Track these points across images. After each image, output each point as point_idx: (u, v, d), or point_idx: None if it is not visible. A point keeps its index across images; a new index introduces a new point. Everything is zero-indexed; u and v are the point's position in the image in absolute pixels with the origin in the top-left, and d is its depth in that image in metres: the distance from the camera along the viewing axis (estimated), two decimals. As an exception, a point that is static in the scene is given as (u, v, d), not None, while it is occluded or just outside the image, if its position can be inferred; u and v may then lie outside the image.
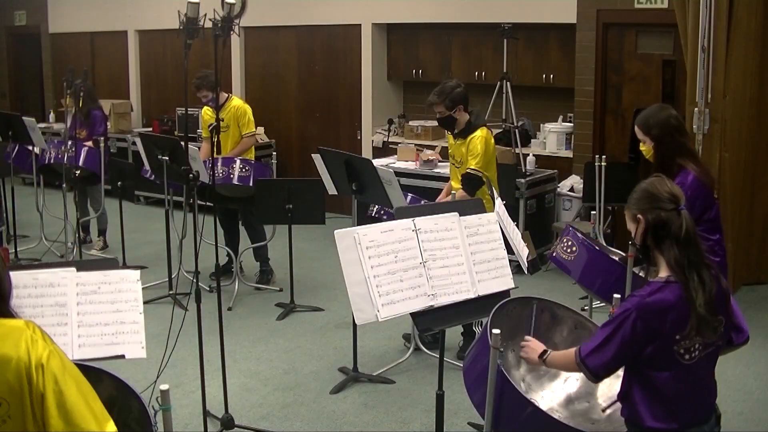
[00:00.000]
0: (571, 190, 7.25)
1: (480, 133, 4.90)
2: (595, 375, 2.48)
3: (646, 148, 3.76)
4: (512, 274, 3.40)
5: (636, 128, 3.80)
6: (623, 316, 2.39)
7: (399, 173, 6.05)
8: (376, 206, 5.38)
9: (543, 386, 3.03)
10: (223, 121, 6.21)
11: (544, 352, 2.67)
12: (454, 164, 5.09)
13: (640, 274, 3.03)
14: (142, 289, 2.86)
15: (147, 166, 6.24)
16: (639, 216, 2.49)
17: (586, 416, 2.91)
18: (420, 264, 3.12)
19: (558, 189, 7.30)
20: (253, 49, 9.53)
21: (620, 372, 2.54)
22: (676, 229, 2.41)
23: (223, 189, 6.17)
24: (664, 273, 2.44)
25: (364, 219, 5.46)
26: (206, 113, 6.36)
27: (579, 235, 3.81)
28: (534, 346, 2.72)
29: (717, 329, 2.43)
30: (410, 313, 3.12)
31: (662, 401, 2.42)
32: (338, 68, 8.92)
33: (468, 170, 4.86)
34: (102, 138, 7.02)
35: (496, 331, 2.59)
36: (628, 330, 2.36)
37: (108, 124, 7.55)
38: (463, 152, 4.93)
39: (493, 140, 4.99)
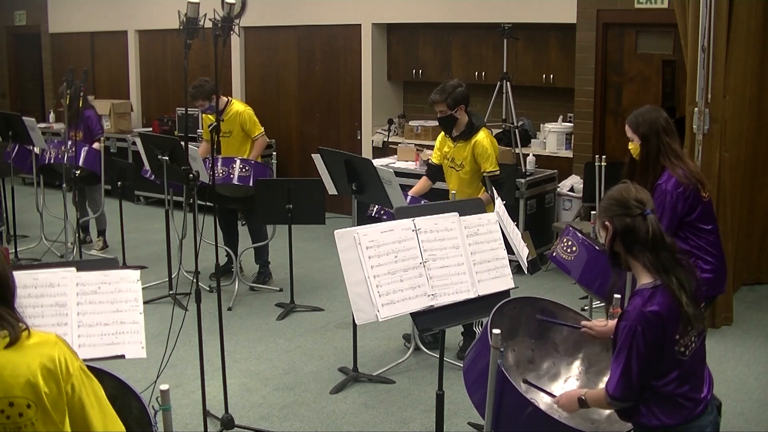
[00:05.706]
0: (571, 190, 7.25)
1: (483, 135, 4.91)
2: (627, 401, 2.49)
3: (634, 146, 3.80)
4: (512, 274, 3.41)
5: (626, 126, 3.83)
6: (630, 334, 2.41)
7: (399, 173, 6.05)
8: (376, 206, 5.38)
9: (543, 386, 3.02)
10: (223, 121, 6.22)
11: (581, 399, 2.62)
12: (452, 167, 5.07)
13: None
14: (142, 289, 2.86)
15: (147, 166, 6.23)
16: (607, 223, 2.56)
17: (586, 416, 2.91)
18: (420, 264, 3.12)
19: (558, 189, 7.30)
20: (253, 49, 9.53)
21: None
22: (643, 234, 2.47)
23: (223, 189, 6.17)
24: (646, 279, 2.49)
25: (364, 219, 5.46)
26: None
27: (579, 235, 3.82)
28: (566, 401, 2.70)
29: (701, 317, 2.53)
30: (410, 313, 3.12)
31: (673, 403, 2.48)
32: (338, 68, 8.91)
33: (485, 174, 4.88)
34: (101, 138, 7.01)
35: (496, 331, 2.59)
36: (641, 344, 2.40)
37: (104, 123, 7.48)
38: (465, 155, 4.94)
39: (495, 141, 5.01)
